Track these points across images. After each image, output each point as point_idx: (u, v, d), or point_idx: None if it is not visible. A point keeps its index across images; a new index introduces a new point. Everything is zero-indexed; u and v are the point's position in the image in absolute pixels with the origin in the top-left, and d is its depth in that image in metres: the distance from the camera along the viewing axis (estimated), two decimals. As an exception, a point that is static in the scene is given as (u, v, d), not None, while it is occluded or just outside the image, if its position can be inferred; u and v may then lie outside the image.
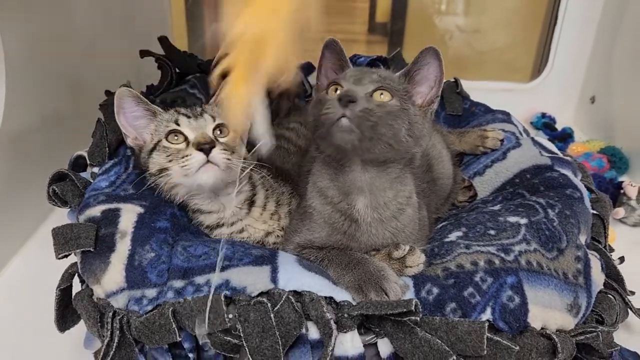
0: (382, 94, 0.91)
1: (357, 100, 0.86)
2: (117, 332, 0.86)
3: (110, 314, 0.88)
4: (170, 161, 1.03)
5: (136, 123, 1.10)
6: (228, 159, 1.02)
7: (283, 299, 0.84)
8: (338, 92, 0.92)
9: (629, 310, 1.10)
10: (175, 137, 1.05)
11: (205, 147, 1.00)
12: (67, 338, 1.03)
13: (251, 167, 1.09)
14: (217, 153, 1.01)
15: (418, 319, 0.81)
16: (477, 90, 1.70)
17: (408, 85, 0.97)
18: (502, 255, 0.93)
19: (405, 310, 0.80)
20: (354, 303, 0.86)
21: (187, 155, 1.01)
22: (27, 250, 1.42)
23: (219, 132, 1.08)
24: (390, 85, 0.93)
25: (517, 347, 0.83)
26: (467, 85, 1.67)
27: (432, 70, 0.96)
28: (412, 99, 0.97)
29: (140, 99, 1.08)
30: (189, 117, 1.08)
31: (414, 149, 0.96)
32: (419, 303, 0.81)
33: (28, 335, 1.16)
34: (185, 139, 1.05)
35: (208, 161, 1.00)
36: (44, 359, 1.10)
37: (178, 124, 1.06)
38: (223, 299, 0.83)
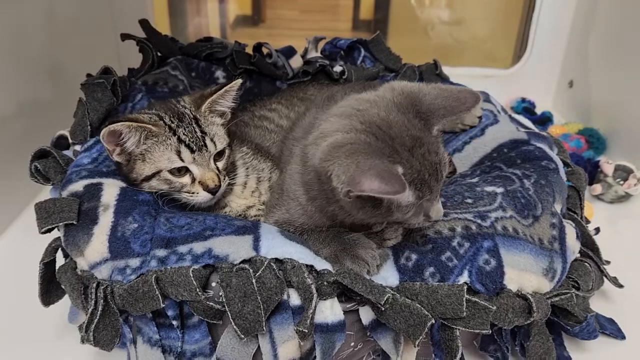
0: None
1: None
2: (101, 301, 0.87)
3: (94, 284, 0.89)
4: (172, 189, 1.04)
5: (126, 145, 1.01)
6: (226, 184, 1.07)
7: (265, 265, 0.85)
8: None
9: (604, 278, 1.13)
10: (178, 170, 1.03)
11: (215, 190, 1.04)
12: (53, 313, 1.04)
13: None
14: (224, 186, 1.06)
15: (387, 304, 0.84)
16: (459, 76, 1.72)
17: None
18: (479, 221, 0.96)
19: (374, 299, 0.82)
20: (334, 272, 0.88)
21: (193, 192, 1.04)
22: (11, 234, 1.42)
23: (217, 157, 1.08)
24: None
25: (495, 307, 0.86)
26: (450, 72, 1.69)
27: None
28: None
29: (132, 126, 0.98)
30: (192, 150, 1.02)
31: None
32: (391, 297, 0.83)
33: (13, 311, 1.16)
34: (189, 171, 1.04)
35: (213, 198, 1.06)
36: (28, 336, 1.10)
37: (182, 158, 1.01)
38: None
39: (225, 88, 1.09)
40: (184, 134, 1.02)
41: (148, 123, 1.00)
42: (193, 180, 1.04)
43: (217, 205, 1.12)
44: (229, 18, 3.86)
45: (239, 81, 1.11)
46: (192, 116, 1.06)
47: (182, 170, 1.03)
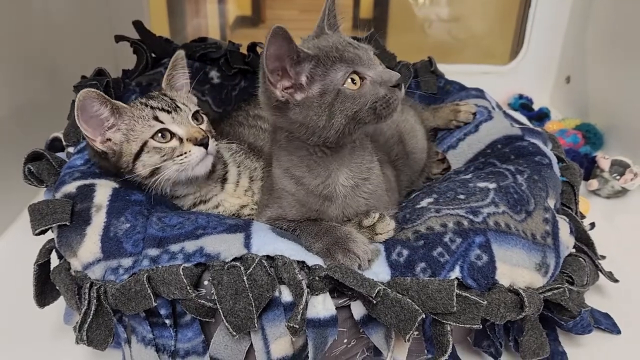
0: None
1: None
2: (94, 301, 0.87)
3: (87, 284, 0.89)
4: (165, 160, 1.03)
5: (103, 125, 1.03)
6: (217, 145, 1.06)
7: (256, 262, 0.85)
8: (365, 79, 0.89)
9: (599, 272, 1.13)
10: (163, 136, 1.03)
11: (205, 141, 1.03)
12: (48, 314, 1.04)
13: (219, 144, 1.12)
14: (212, 144, 1.05)
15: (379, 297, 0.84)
16: (456, 73, 1.72)
17: None
18: (471, 217, 0.96)
19: (365, 292, 0.82)
20: (325, 267, 0.88)
21: (185, 153, 1.03)
22: (10, 235, 1.42)
23: (196, 121, 1.09)
24: None
25: (485, 302, 0.86)
26: (446, 69, 1.70)
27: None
28: None
29: (104, 98, 1.01)
30: (167, 111, 1.05)
31: None
32: (382, 290, 0.83)
33: (9, 313, 1.16)
34: (173, 134, 1.04)
35: (207, 153, 1.04)
36: (25, 337, 1.11)
37: (161, 121, 1.04)
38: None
39: (171, 63, 1.15)
40: (155, 103, 1.07)
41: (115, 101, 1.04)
42: (181, 141, 1.04)
43: (210, 205, 1.13)
44: (228, 19, 3.86)
45: (181, 52, 1.16)
46: (158, 93, 1.12)
47: (167, 136, 1.04)
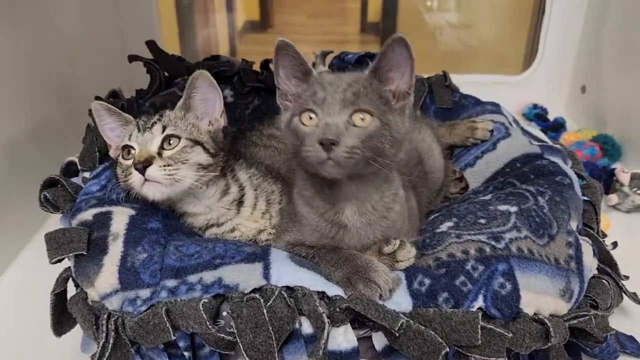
0: (361, 117, 0.87)
1: (339, 142, 0.83)
2: (112, 333, 0.86)
3: (105, 316, 0.88)
4: (125, 177, 1.03)
5: (113, 134, 1.11)
6: (169, 175, 1.00)
7: (275, 294, 0.84)
8: (313, 121, 0.89)
9: (623, 294, 1.10)
10: (128, 152, 1.05)
11: (139, 166, 0.99)
12: (65, 343, 1.03)
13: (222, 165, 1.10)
14: (153, 171, 0.99)
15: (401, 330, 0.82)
16: (469, 83, 1.71)
17: (379, 83, 0.93)
18: (493, 243, 0.94)
19: (387, 325, 0.81)
20: (346, 297, 0.86)
21: (130, 173, 1.01)
22: (23, 258, 1.42)
23: (168, 144, 1.04)
24: (365, 102, 0.88)
25: (510, 334, 0.84)
26: (459, 79, 1.68)
27: (402, 58, 0.90)
28: (386, 96, 0.92)
29: (112, 110, 1.08)
30: (139, 130, 1.06)
31: (400, 155, 0.95)
32: (405, 323, 0.82)
33: (26, 341, 1.16)
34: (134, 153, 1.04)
35: (146, 180, 1.00)
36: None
37: (129, 138, 1.06)
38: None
39: (187, 82, 1.11)
40: (142, 122, 1.08)
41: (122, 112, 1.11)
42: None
43: (225, 229, 1.12)
44: (237, 25, 3.87)
45: (203, 73, 1.09)
46: (162, 111, 1.12)
47: (131, 154, 1.04)
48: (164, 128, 1.05)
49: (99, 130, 1.10)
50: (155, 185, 1.00)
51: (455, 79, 1.66)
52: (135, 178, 1.00)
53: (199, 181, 1.03)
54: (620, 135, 1.82)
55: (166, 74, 1.47)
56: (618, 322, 1.14)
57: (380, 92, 0.92)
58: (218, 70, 1.52)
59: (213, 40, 3.45)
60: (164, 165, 1.00)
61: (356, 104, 0.87)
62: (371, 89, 0.91)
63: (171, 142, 1.04)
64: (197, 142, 1.06)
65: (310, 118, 0.89)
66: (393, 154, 0.91)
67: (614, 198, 1.54)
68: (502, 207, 1.03)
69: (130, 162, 1.02)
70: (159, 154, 1.02)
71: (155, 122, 1.07)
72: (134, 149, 1.04)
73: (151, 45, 1.44)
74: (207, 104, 1.11)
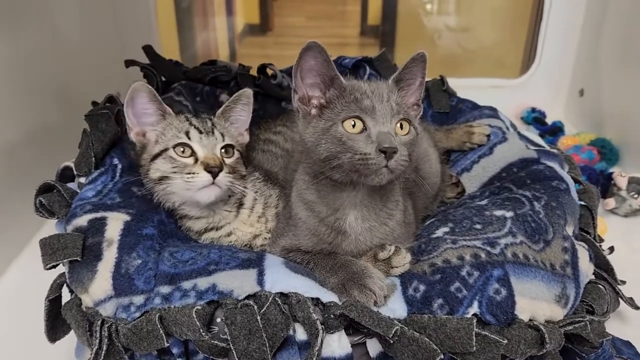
0: (402, 125, 0.92)
1: (397, 150, 0.87)
2: (106, 340, 0.86)
3: (99, 322, 0.88)
4: (174, 172, 1.04)
5: (144, 120, 1.11)
6: (231, 182, 1.05)
7: (269, 301, 0.84)
8: (356, 128, 0.90)
9: (620, 299, 1.10)
10: (183, 150, 1.06)
11: (214, 170, 1.03)
12: (59, 349, 1.03)
13: (246, 185, 1.13)
14: (223, 177, 1.04)
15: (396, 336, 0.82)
16: (468, 87, 1.71)
17: (400, 95, 0.97)
18: (488, 248, 0.94)
19: (382, 332, 0.81)
20: (340, 304, 0.86)
21: (193, 173, 1.03)
22: (19, 264, 1.42)
23: (224, 152, 1.09)
24: (406, 111, 0.94)
25: (505, 341, 0.84)
26: (458, 83, 1.68)
27: (420, 73, 0.97)
28: (409, 106, 0.98)
29: (155, 97, 1.10)
30: (200, 132, 1.08)
31: (414, 163, 0.99)
32: (400, 330, 0.82)
33: (21, 347, 1.16)
34: (193, 153, 1.06)
35: (213, 183, 1.03)
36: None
37: (189, 137, 1.07)
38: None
39: (234, 96, 1.17)
40: (196, 122, 1.11)
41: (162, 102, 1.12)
42: (195, 161, 1.05)
43: (222, 233, 1.12)
44: (237, 28, 3.88)
45: (248, 91, 1.17)
46: (208, 117, 1.16)
47: (187, 152, 1.06)
48: (223, 135, 1.10)
49: (125, 109, 1.09)
50: (215, 190, 1.05)
51: (454, 82, 1.66)
52: (203, 180, 1.03)
53: (240, 188, 1.09)
54: (618, 139, 1.82)
55: (163, 78, 1.47)
56: (615, 327, 1.14)
57: (406, 102, 0.97)
58: (215, 75, 1.52)
59: (213, 43, 3.46)
60: (228, 173, 1.06)
61: (400, 113, 0.92)
62: (398, 96, 0.95)
63: (227, 150, 1.10)
64: (241, 154, 1.13)
65: (353, 125, 0.90)
66: (412, 161, 0.94)
67: (611, 202, 1.54)
68: (498, 213, 1.03)
69: (190, 160, 1.06)
70: (223, 161, 1.07)
71: (214, 128, 1.11)
72: (193, 149, 1.06)
73: (148, 50, 1.44)
74: (242, 118, 1.18)
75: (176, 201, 1.09)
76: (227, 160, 1.09)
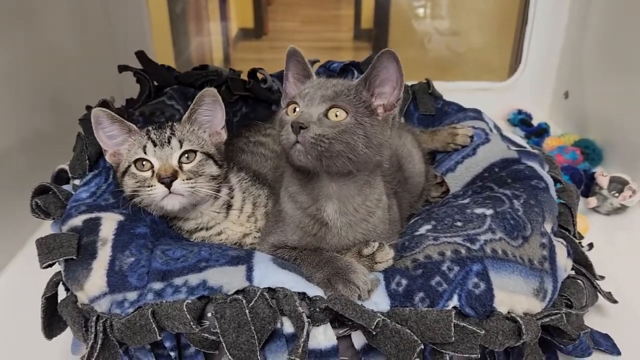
0: (336, 113, 0.94)
1: (308, 127, 0.90)
2: (101, 334, 0.90)
3: (94, 318, 0.91)
4: (139, 187, 1.07)
5: (113, 141, 1.14)
6: (191, 187, 1.07)
7: (257, 295, 0.87)
8: (295, 112, 0.97)
9: (598, 294, 1.14)
10: (142, 165, 1.09)
11: (166, 180, 1.05)
12: (56, 345, 1.06)
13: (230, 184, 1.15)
14: (178, 185, 1.06)
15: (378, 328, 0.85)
16: (455, 90, 1.76)
17: (368, 92, 0.99)
18: (468, 244, 0.97)
19: (364, 324, 0.84)
20: (325, 298, 0.90)
21: (151, 186, 1.06)
22: (16, 264, 1.45)
23: (185, 158, 1.10)
24: (344, 101, 0.95)
25: (483, 331, 0.87)
26: (446, 86, 1.72)
27: (391, 72, 0.97)
28: (372, 106, 0.98)
29: (115, 118, 1.11)
30: (155, 144, 1.09)
31: (376, 158, 0.99)
32: (381, 321, 0.85)
33: (18, 344, 1.19)
34: (152, 166, 1.08)
35: (170, 192, 1.06)
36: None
37: (145, 151, 1.09)
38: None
39: (196, 98, 1.16)
40: (154, 134, 1.12)
41: (124, 120, 1.13)
42: (153, 174, 1.08)
43: (213, 232, 1.15)
44: (231, 32, 3.90)
45: (210, 90, 1.15)
46: (170, 125, 1.16)
47: (146, 166, 1.08)
48: (181, 142, 1.11)
49: (95, 133, 1.12)
50: (177, 197, 1.07)
51: (443, 86, 1.70)
52: (160, 191, 1.05)
53: (210, 190, 1.10)
54: (601, 140, 1.86)
55: (155, 83, 1.50)
56: (594, 320, 1.17)
57: (366, 100, 0.98)
58: (206, 79, 1.55)
59: (207, 48, 3.49)
60: (186, 179, 1.07)
61: (334, 100, 0.95)
62: (356, 95, 0.97)
63: (188, 156, 1.10)
64: (208, 155, 1.13)
65: (294, 111, 0.97)
66: (367, 154, 0.95)
67: (593, 201, 1.59)
68: (479, 210, 1.07)
69: (148, 174, 1.08)
70: (180, 168, 1.08)
71: (171, 137, 1.11)
72: (150, 162, 1.08)
73: (140, 55, 1.48)
74: (211, 118, 1.18)
75: (154, 210, 1.12)
76: (186, 167, 1.09)
